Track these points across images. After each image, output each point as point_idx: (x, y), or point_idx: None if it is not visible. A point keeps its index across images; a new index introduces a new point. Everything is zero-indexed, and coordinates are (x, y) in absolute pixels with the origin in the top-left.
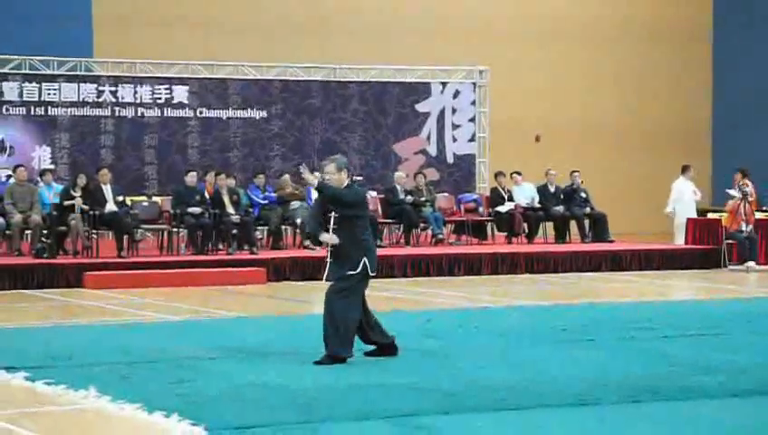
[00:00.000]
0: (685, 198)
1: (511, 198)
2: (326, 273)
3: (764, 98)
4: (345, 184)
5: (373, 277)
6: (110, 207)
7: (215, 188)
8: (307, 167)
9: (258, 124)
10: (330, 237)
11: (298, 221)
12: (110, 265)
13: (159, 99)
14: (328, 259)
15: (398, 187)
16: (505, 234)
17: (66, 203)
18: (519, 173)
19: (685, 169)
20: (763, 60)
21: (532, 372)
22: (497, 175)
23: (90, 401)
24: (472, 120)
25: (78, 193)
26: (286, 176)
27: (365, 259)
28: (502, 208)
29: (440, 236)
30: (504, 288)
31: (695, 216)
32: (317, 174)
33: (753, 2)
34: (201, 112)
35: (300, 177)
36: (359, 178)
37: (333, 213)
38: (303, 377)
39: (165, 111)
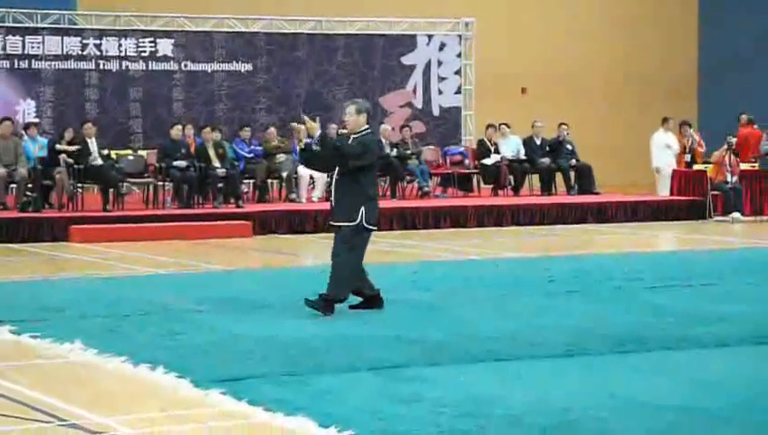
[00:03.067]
0: (665, 150)
1: (497, 151)
2: (330, 216)
3: (749, 50)
4: (363, 128)
5: (375, 229)
6: (96, 160)
7: (197, 141)
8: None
9: (244, 77)
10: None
11: (284, 174)
12: (95, 219)
13: (144, 52)
14: (332, 202)
15: (384, 140)
16: (491, 186)
17: (59, 147)
18: (507, 125)
19: (664, 121)
20: (749, 11)
21: (519, 323)
22: (488, 127)
23: (76, 354)
24: (458, 72)
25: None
26: (272, 129)
27: (363, 210)
28: (488, 161)
29: (426, 189)
30: (491, 240)
31: (674, 167)
32: (317, 124)
33: None
34: (186, 66)
35: (287, 130)
36: (344, 130)
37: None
38: (291, 329)
39: (150, 65)
